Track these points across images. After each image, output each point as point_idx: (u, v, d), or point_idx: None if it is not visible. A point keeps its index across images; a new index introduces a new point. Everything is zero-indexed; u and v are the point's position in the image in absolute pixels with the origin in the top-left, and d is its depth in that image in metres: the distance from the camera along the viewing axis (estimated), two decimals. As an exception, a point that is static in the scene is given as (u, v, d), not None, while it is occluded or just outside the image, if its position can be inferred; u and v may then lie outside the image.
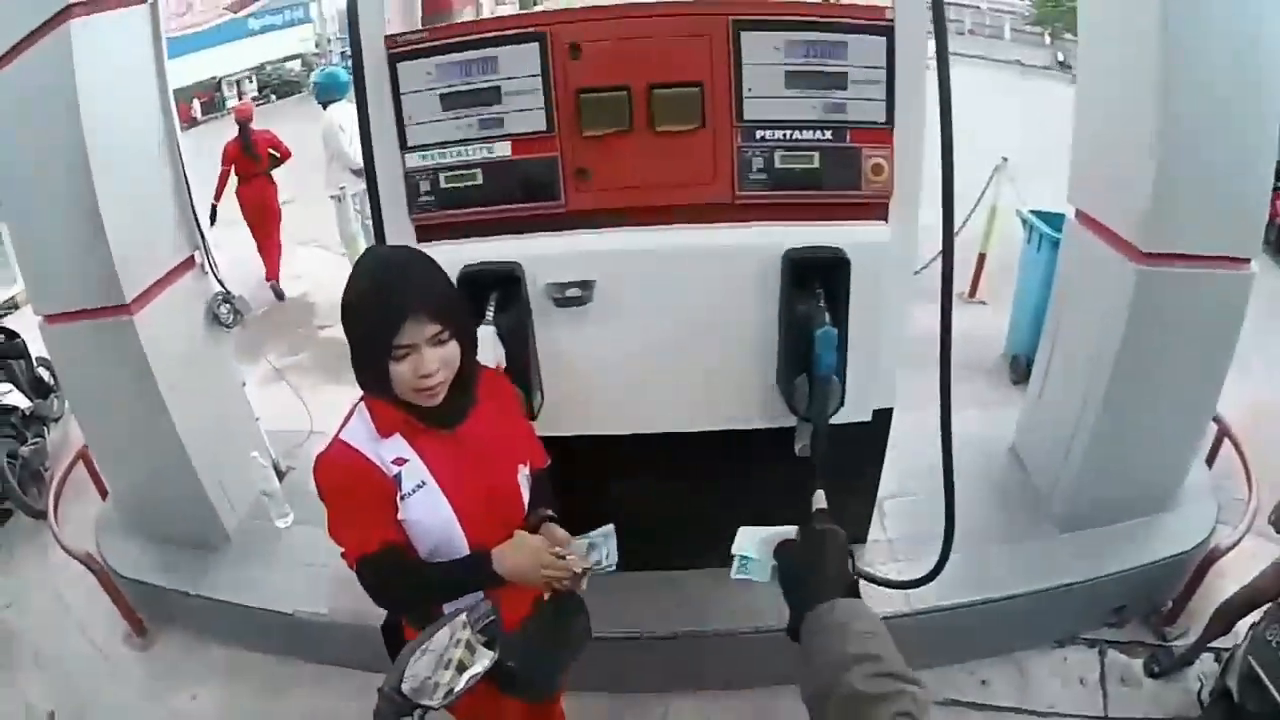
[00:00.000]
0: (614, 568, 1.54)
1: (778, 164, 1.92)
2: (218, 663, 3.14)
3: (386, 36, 1.92)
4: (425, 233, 2.11)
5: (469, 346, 1.48)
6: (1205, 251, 2.25)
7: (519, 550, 1.48)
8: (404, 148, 2.02)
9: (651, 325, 2.07)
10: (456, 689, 1.16)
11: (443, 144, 2.00)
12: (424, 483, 1.47)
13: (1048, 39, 14.89)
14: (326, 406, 3.94)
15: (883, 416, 2.22)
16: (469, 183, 2.02)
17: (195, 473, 3.03)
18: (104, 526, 3.47)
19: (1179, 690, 2.45)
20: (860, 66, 1.84)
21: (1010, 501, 2.74)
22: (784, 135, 1.91)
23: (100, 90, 2.44)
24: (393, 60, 1.93)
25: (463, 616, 1.21)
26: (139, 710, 3.05)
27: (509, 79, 1.92)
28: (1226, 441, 2.91)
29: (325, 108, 5.96)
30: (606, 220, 2.05)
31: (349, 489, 1.46)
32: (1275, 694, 1.92)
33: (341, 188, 5.95)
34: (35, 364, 4.78)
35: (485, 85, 1.93)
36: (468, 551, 1.50)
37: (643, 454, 2.22)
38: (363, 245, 5.51)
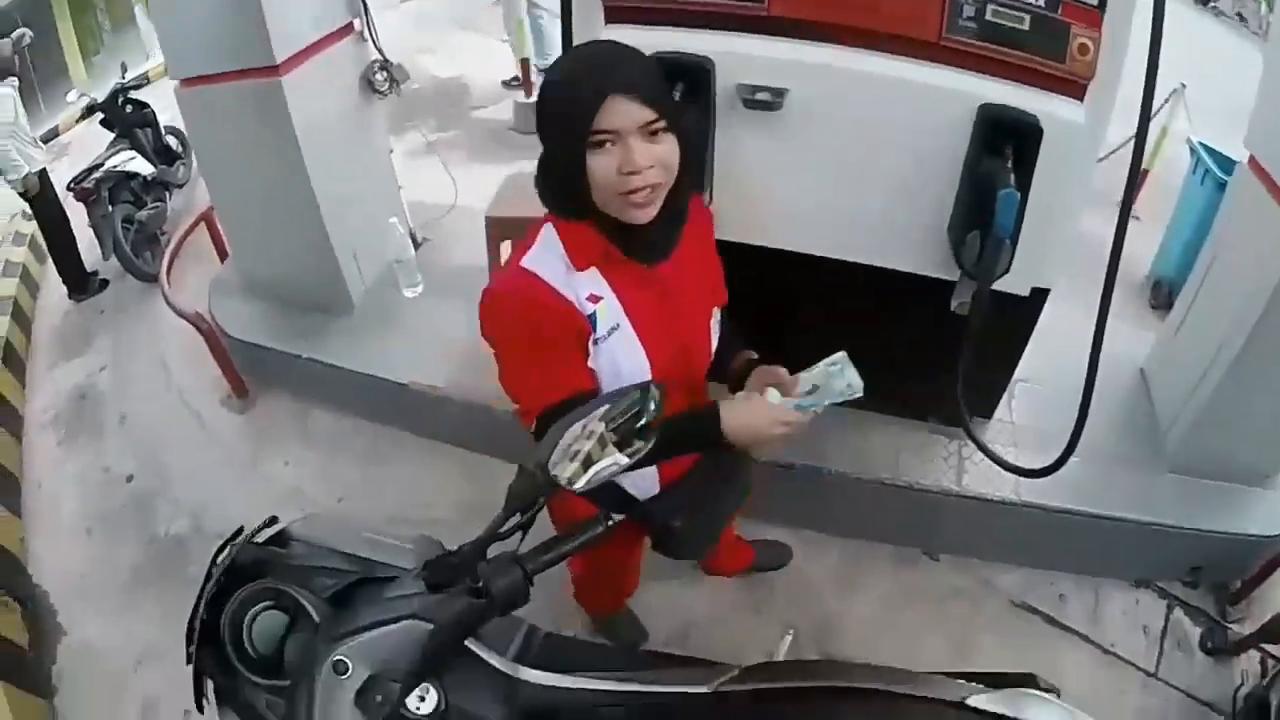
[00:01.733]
0: (859, 394, 1.36)
1: (988, 16, 1.81)
2: (319, 430, 3.19)
3: None
4: (614, 15, 2.03)
5: (688, 154, 1.21)
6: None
7: (750, 408, 1.31)
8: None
9: (835, 146, 1.98)
10: (577, 485, 1.08)
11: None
12: (619, 325, 1.28)
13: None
14: (473, 183, 3.86)
15: (1039, 297, 2.15)
16: (668, -31, 1.83)
17: (328, 237, 3.02)
18: (218, 288, 3.55)
19: (1223, 678, 2.40)
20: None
21: (1129, 424, 2.67)
22: (1001, -11, 1.76)
23: None
24: None
25: (603, 409, 1.10)
26: (226, 474, 3.14)
27: None
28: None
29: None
30: (805, 32, 1.93)
31: (534, 327, 1.24)
32: None
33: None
34: (164, 132, 4.88)
35: None
36: None
37: (794, 277, 2.18)
38: (528, 35, 5.36)
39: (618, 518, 1.16)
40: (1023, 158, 1.79)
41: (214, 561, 1.32)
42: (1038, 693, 1.24)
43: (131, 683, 2.60)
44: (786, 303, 2.21)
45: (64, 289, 4.47)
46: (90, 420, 3.60)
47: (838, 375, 1.36)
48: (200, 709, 1.29)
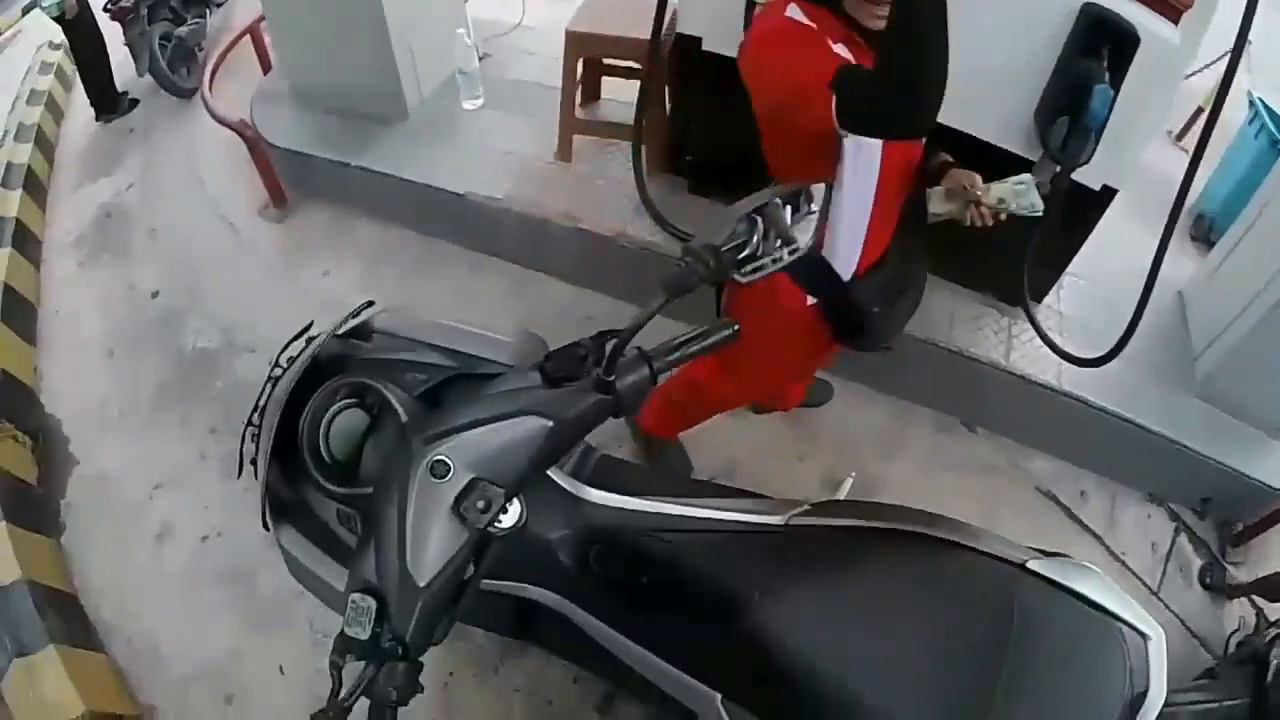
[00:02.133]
0: (1040, 213, 1.54)
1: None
2: (362, 241, 3.01)
3: None
4: None
5: None
6: None
7: (956, 176, 1.51)
8: None
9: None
10: (744, 273, 1.05)
11: None
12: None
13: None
14: (542, 3, 3.64)
15: (1107, 195, 2.22)
16: None
17: (390, 43, 2.89)
18: (261, 98, 3.33)
19: (1215, 618, 2.41)
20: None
21: (1164, 342, 2.71)
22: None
23: None
24: None
25: (772, 199, 1.07)
26: (261, 285, 2.97)
27: None
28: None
29: None
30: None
31: (799, 40, 1.32)
32: None
33: None
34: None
35: None
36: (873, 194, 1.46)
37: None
38: None
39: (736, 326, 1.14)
40: (1117, 62, 1.90)
41: (276, 362, 1.26)
42: (1088, 564, 1.31)
43: (146, 512, 2.48)
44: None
45: (90, 114, 4.26)
46: (115, 239, 3.38)
47: (1023, 193, 1.52)
48: (266, 527, 1.23)
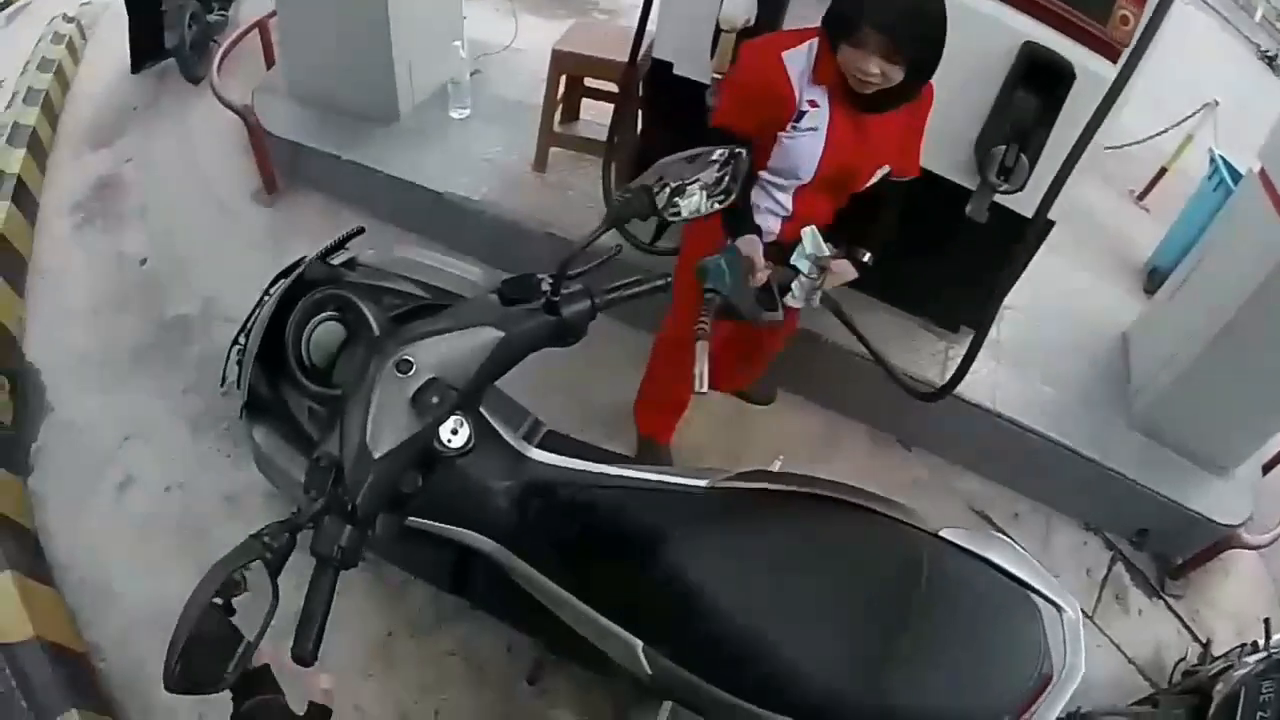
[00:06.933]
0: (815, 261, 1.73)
1: (1052, -33, 2.00)
2: (345, 222, 3.10)
3: None
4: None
5: (915, 83, 1.57)
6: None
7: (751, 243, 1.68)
8: None
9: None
10: (669, 213, 1.22)
11: None
12: (817, 129, 1.61)
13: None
14: (527, 27, 3.94)
15: (1044, 226, 2.19)
16: None
17: (391, 51, 3.07)
18: (263, 89, 3.48)
19: (1152, 644, 2.47)
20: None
21: (1105, 377, 2.86)
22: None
23: None
24: None
25: (702, 154, 1.23)
26: (245, 261, 3.02)
27: None
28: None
29: None
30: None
31: (753, 82, 1.65)
32: None
33: None
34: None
35: None
36: (799, 185, 1.71)
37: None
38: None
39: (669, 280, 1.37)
40: (1052, 96, 2.04)
41: (266, 291, 1.39)
42: (1001, 535, 1.43)
43: (113, 460, 2.54)
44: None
45: (95, 88, 4.35)
46: (110, 207, 3.49)
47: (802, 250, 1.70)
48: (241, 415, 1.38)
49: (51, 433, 2.64)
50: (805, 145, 1.63)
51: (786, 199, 1.75)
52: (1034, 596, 1.30)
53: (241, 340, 1.37)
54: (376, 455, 1.06)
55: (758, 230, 1.73)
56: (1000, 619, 1.30)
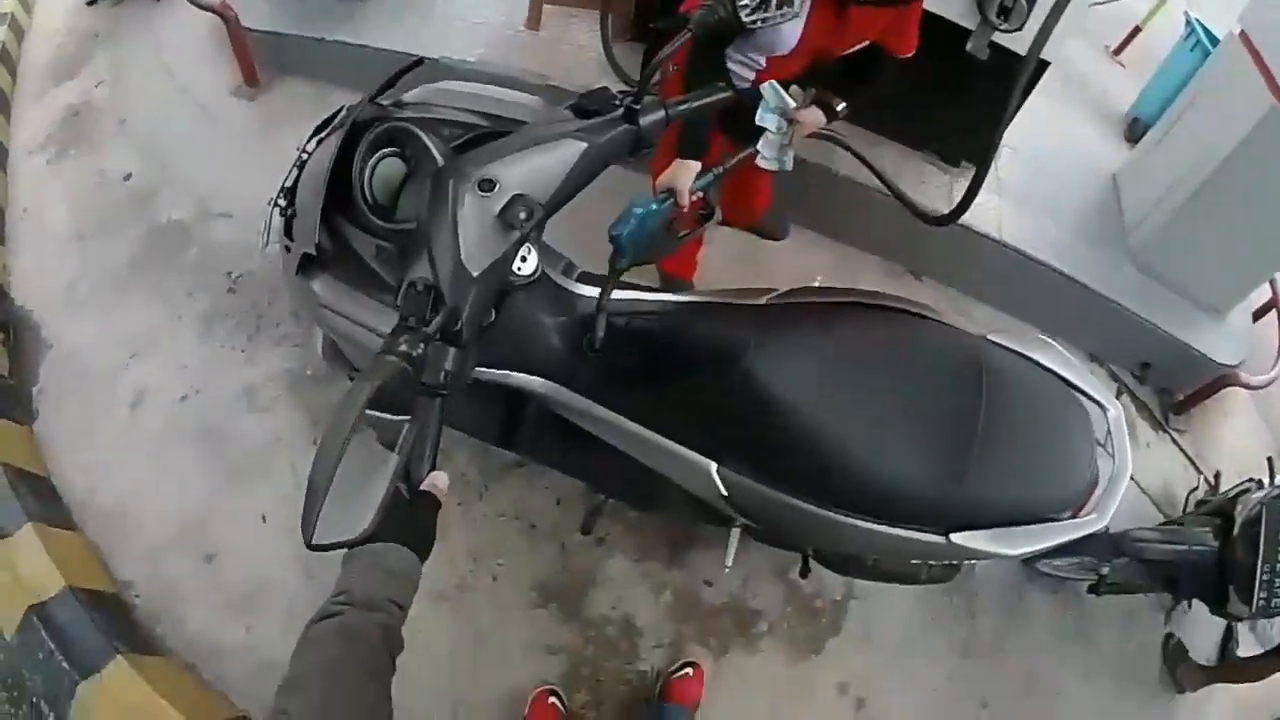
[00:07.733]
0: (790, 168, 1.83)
1: None
2: (336, 104, 2.96)
3: None
4: None
5: None
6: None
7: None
8: None
9: None
10: (753, 17, 1.31)
11: None
12: (798, 15, 1.51)
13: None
14: None
15: (1040, 65, 2.20)
16: None
17: None
18: None
19: (1160, 477, 2.52)
20: None
21: (1100, 216, 2.89)
22: None
23: None
24: None
25: None
26: (235, 155, 2.96)
27: None
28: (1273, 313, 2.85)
29: None
30: None
31: None
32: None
33: None
34: None
35: None
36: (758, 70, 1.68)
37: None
38: None
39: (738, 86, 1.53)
40: None
41: (303, 147, 1.35)
42: (1043, 337, 1.46)
43: (121, 381, 2.46)
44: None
45: (53, 25, 4.10)
46: (85, 132, 3.32)
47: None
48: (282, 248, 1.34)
49: (51, 371, 2.55)
50: (785, 29, 1.57)
51: (760, 59, 1.70)
52: (1079, 396, 1.37)
53: (281, 201, 1.30)
54: (475, 273, 1.06)
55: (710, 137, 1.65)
56: (1055, 417, 1.36)
